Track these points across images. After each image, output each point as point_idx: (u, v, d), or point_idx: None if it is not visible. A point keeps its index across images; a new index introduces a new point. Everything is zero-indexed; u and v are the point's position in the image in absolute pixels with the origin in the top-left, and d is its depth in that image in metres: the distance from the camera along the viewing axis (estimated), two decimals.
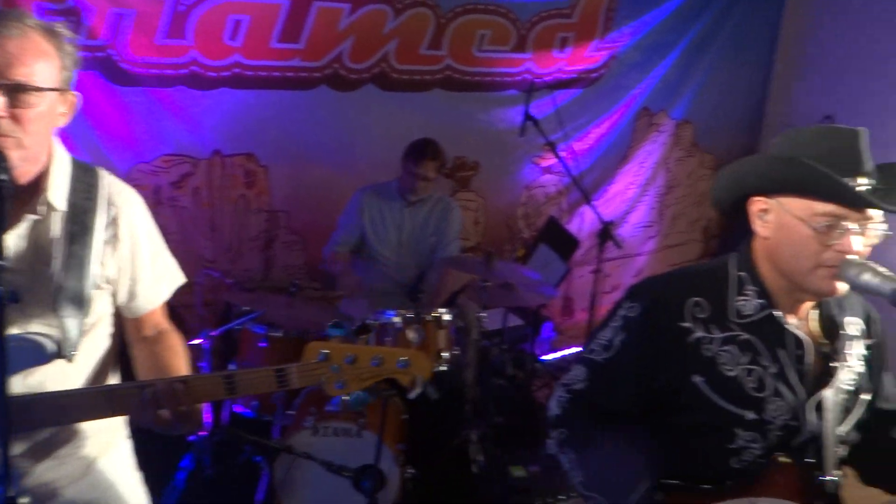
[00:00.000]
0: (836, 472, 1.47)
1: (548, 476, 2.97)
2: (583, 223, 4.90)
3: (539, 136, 3.78)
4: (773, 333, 1.44)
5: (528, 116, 3.63)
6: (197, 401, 1.40)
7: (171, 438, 1.51)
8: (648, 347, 1.46)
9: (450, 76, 4.17)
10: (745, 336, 1.44)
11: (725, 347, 1.43)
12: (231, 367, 3.21)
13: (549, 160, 4.60)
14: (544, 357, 4.68)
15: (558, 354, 4.82)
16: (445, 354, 3.18)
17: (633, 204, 5.05)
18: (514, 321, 4.41)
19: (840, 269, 1.34)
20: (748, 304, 1.45)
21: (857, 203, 1.31)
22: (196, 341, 3.13)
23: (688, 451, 1.49)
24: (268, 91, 3.77)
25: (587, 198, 3.78)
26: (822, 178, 1.29)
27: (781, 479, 1.43)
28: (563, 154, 3.74)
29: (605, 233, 3.62)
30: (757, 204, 1.43)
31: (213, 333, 3.17)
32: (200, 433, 3.09)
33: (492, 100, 4.34)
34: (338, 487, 2.77)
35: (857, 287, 1.34)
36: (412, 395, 1.46)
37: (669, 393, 1.46)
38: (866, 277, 1.30)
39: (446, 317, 3.20)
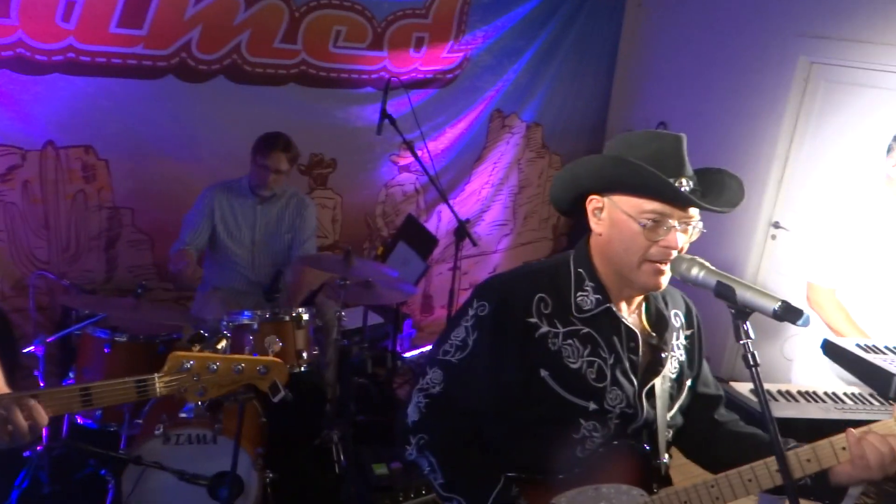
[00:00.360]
0: (666, 454, 1.59)
1: (409, 473, 2.99)
2: (440, 221, 4.99)
3: (396, 135, 3.81)
4: (609, 326, 1.52)
5: (385, 115, 3.64)
6: (50, 415, 1.32)
7: (1, 454, 1.39)
8: (500, 343, 1.50)
9: (305, 71, 4.09)
10: (586, 330, 1.51)
11: (568, 341, 1.50)
12: (70, 374, 2.99)
13: (407, 159, 4.65)
14: (405, 354, 4.72)
15: (419, 351, 4.88)
16: (305, 354, 3.14)
17: (488, 203, 5.21)
18: (374, 319, 4.42)
19: (672, 264, 1.45)
20: (587, 298, 1.52)
21: (680, 201, 1.41)
22: (29, 348, 2.88)
23: (537, 443, 1.53)
24: (108, 79, 3.51)
25: (444, 196, 3.85)
26: (650, 177, 1.39)
27: (621, 464, 1.52)
28: (420, 153, 3.78)
29: (462, 231, 3.71)
30: (592, 202, 1.51)
31: (48, 339, 2.92)
32: (37, 447, 2.84)
33: (349, 97, 4.32)
34: (193, 497, 2.65)
35: (686, 280, 1.44)
36: (276, 399, 1.53)
37: (520, 387, 1.51)
38: (695, 271, 1.41)
39: (305, 316, 3.15)
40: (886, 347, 2.43)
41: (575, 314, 1.52)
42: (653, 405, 1.56)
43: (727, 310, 1.39)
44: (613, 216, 1.47)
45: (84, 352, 2.97)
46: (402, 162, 4.70)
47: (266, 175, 3.41)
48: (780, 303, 1.32)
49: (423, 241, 4.21)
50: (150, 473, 2.63)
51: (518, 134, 5.16)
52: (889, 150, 2.76)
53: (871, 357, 2.30)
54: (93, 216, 3.70)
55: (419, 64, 4.50)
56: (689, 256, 1.46)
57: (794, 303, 1.32)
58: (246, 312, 3.03)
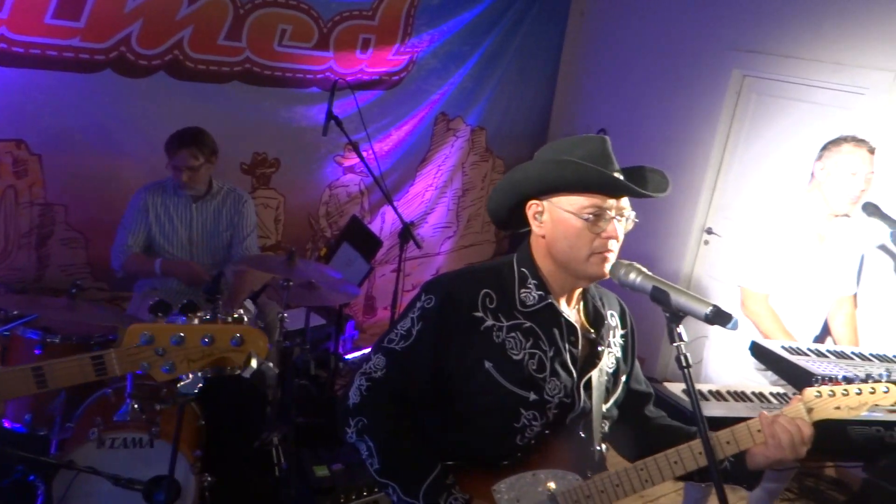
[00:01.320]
0: (601, 444, 1.68)
1: (351, 474, 2.99)
2: (384, 223, 5.00)
3: (341, 136, 3.79)
4: (550, 321, 1.61)
5: (331, 115, 3.62)
6: (4, 398, 1.24)
7: None
8: (444, 335, 1.56)
9: (249, 69, 4.05)
10: (528, 324, 1.59)
11: (511, 334, 1.58)
12: None
13: (352, 160, 4.64)
14: (347, 356, 4.70)
15: (361, 353, 4.86)
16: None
17: (432, 205, 5.24)
18: (317, 321, 4.39)
19: (611, 269, 1.54)
20: (530, 295, 1.60)
21: (619, 189, 1.52)
22: None
23: (477, 432, 1.60)
24: (42, 71, 3.40)
25: (389, 198, 3.86)
26: (593, 173, 1.49)
27: (558, 451, 1.60)
28: (365, 154, 3.78)
29: (407, 233, 3.72)
30: (532, 208, 1.59)
31: None
32: None
33: (294, 97, 4.29)
34: (128, 503, 2.59)
35: (624, 285, 1.53)
36: (247, 373, 1.39)
37: (462, 378, 1.57)
38: (632, 276, 1.51)
39: (246, 317, 3.11)
40: (809, 349, 2.56)
41: (518, 309, 1.59)
42: (589, 396, 1.63)
43: (662, 314, 1.46)
44: (555, 216, 1.56)
45: (13, 354, 2.85)
46: (347, 163, 4.69)
47: (179, 174, 3.34)
48: (711, 307, 1.39)
49: (367, 243, 4.20)
50: (83, 479, 2.55)
51: (462, 137, 5.21)
52: (819, 156, 2.91)
53: (794, 358, 2.42)
54: (23, 213, 3.57)
55: (365, 65, 4.50)
56: (626, 262, 1.55)
57: (725, 308, 1.40)
58: (183, 317, 2.97)
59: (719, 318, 1.38)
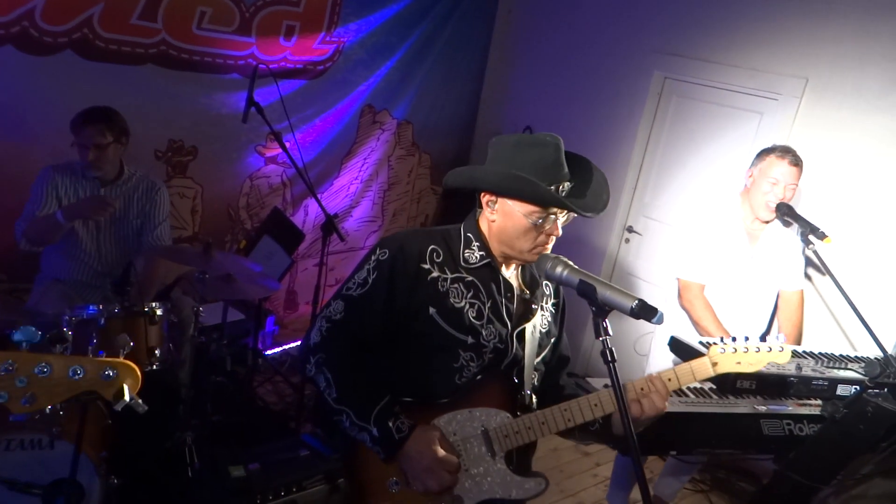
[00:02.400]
0: (531, 392, 1.85)
1: (268, 474, 2.89)
2: (308, 216, 4.88)
3: (263, 125, 3.66)
4: (490, 277, 1.80)
5: (251, 102, 3.48)
6: None
7: None
8: (395, 284, 1.73)
9: (166, 52, 3.86)
10: (470, 278, 1.78)
11: (454, 285, 1.76)
12: None
13: (274, 150, 4.51)
14: (267, 352, 4.57)
15: (281, 349, 4.74)
16: (157, 352, 2.95)
17: (356, 199, 5.15)
18: (236, 315, 4.24)
19: (538, 262, 1.72)
20: (473, 254, 1.80)
21: (565, 208, 1.69)
22: None
23: (422, 371, 1.78)
24: None
25: (312, 190, 3.75)
26: (544, 195, 1.65)
27: (493, 393, 1.78)
28: (288, 144, 3.66)
29: (330, 225, 3.63)
30: (487, 197, 1.77)
31: None
32: None
33: (213, 82, 4.12)
34: None
35: (551, 278, 1.67)
36: (118, 407, 1.31)
37: (409, 321, 1.75)
38: (559, 270, 1.64)
39: (159, 311, 2.96)
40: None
41: (462, 265, 1.79)
42: (522, 346, 1.82)
43: (588, 308, 1.45)
44: (506, 210, 1.73)
45: None
46: (269, 153, 4.55)
47: (85, 153, 3.14)
48: (636, 301, 1.40)
49: (288, 236, 4.09)
50: None
51: (389, 131, 5.14)
52: (751, 164, 3.06)
53: None
54: None
55: (289, 53, 4.37)
56: (553, 255, 1.58)
57: (650, 302, 1.40)
58: (91, 307, 2.79)
59: (644, 311, 1.38)
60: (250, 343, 4.19)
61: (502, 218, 1.74)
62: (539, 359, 1.88)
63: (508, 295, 1.81)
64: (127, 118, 3.28)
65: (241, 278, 3.28)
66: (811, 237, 2.94)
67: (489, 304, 1.77)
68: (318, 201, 3.69)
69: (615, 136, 4.76)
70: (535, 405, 1.83)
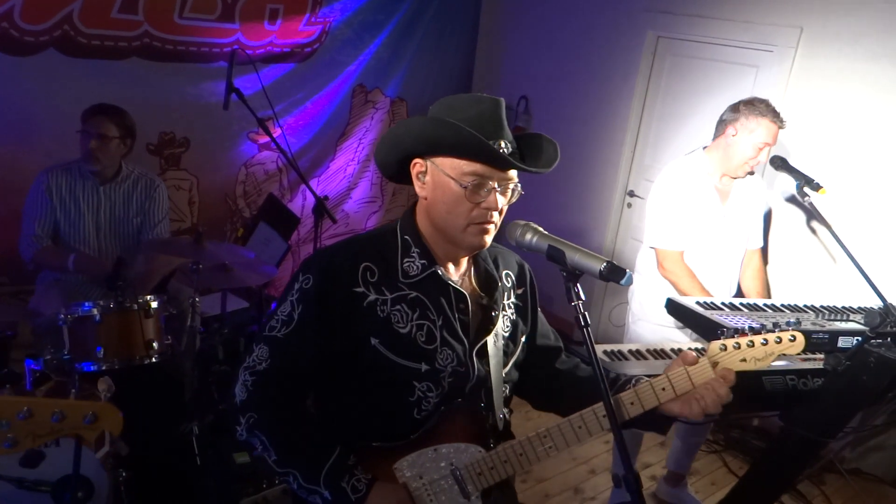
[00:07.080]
0: (504, 410, 1.64)
1: None
2: (306, 200, 4.87)
3: (255, 111, 3.63)
4: (437, 289, 1.55)
5: (231, 88, 3.39)
6: None
7: None
8: (325, 315, 1.48)
9: (149, 44, 3.84)
10: (414, 294, 1.52)
11: (397, 307, 1.51)
12: None
13: (266, 136, 4.48)
14: None
15: None
16: (155, 345, 2.96)
17: (354, 180, 5.13)
18: (241, 304, 4.25)
19: (507, 230, 1.50)
20: (413, 264, 1.54)
21: (499, 162, 1.44)
22: None
23: (374, 410, 1.55)
24: None
25: (298, 171, 3.71)
26: (469, 138, 1.40)
27: (458, 424, 1.55)
28: (279, 130, 3.63)
29: (321, 208, 3.60)
30: (416, 166, 1.52)
31: None
32: None
33: (200, 72, 4.10)
34: None
35: (521, 246, 1.49)
36: (100, 453, 1.33)
37: (350, 356, 1.51)
38: (528, 237, 1.47)
39: (154, 304, 2.97)
40: (723, 304, 2.59)
41: (402, 280, 1.53)
42: (485, 363, 1.58)
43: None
44: (436, 179, 1.49)
45: None
46: (263, 140, 4.53)
47: (87, 141, 3.14)
48: (605, 263, 1.36)
49: (284, 221, 4.08)
50: None
51: (382, 109, 5.10)
52: (735, 116, 2.89)
53: (708, 313, 2.44)
54: None
55: (275, 37, 4.34)
56: (523, 222, 1.51)
57: (619, 264, 1.37)
58: (87, 304, 2.81)
59: (613, 273, 1.35)
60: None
61: (432, 189, 1.50)
62: (508, 367, 1.65)
63: (461, 307, 1.56)
64: None
65: (236, 266, 3.28)
66: (806, 189, 2.87)
67: (440, 323, 1.53)
68: (307, 183, 3.64)
69: (611, 100, 4.68)
70: (510, 423, 1.64)
